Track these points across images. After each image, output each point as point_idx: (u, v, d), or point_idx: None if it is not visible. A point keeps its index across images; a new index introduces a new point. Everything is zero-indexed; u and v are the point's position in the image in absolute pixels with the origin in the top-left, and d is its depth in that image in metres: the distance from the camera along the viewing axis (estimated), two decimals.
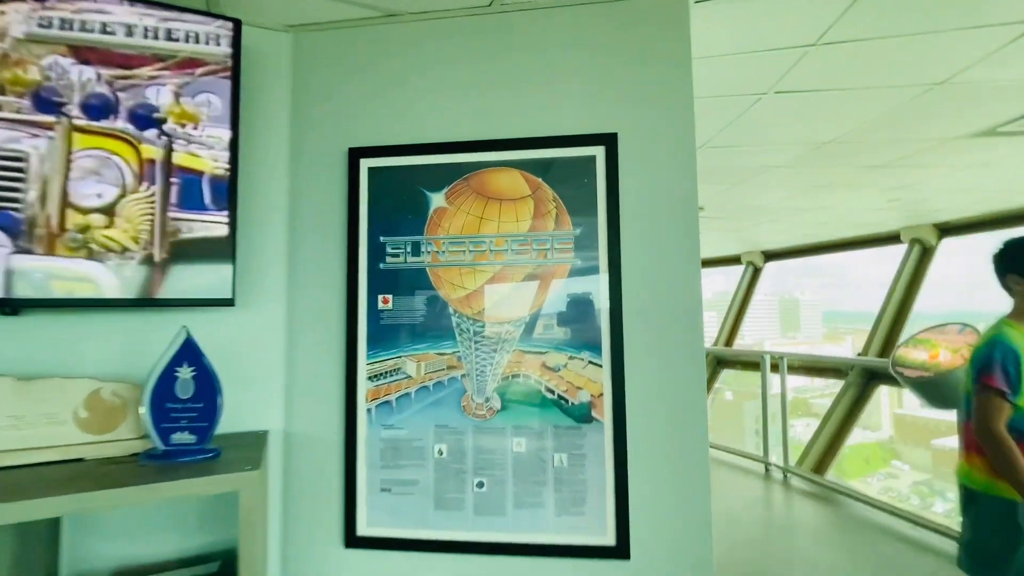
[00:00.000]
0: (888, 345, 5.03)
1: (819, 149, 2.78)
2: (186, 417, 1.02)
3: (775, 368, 4.79)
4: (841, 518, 3.76)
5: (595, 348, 1.20)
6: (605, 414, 1.19)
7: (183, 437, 1.02)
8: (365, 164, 1.30)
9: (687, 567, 1.16)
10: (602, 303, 1.21)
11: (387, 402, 1.25)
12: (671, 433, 1.18)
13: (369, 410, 1.26)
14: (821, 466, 4.77)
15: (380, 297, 1.27)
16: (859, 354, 5.14)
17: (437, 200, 1.27)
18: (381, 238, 1.28)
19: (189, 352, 1.03)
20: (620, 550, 1.17)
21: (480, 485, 1.21)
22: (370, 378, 1.26)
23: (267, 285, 1.29)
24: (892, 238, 5.47)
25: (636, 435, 1.19)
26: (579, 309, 1.22)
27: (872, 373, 4.88)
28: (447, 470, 1.22)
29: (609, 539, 1.17)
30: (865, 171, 3.23)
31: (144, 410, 1.00)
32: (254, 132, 1.31)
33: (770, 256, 7.00)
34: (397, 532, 1.23)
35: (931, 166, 3.12)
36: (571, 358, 1.21)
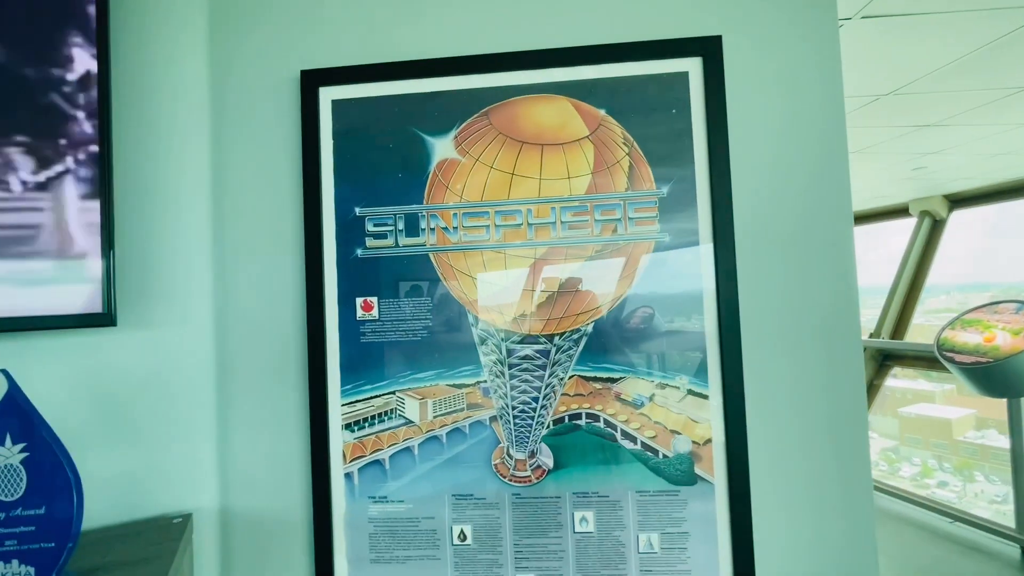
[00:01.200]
0: (902, 322, 4.78)
1: (872, 104, 2.40)
2: (14, 535, 0.56)
3: None
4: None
5: (698, 371, 0.78)
6: (716, 470, 0.77)
7: (11, 571, 0.56)
8: (327, 95, 0.84)
9: None
10: (707, 299, 0.78)
11: (377, 462, 0.81)
12: (816, 492, 0.78)
13: (349, 475, 0.81)
14: None
15: (359, 301, 0.82)
16: (871, 335, 4.88)
17: (442, 148, 0.82)
18: (357, 210, 0.82)
19: (14, 414, 0.57)
20: None
21: None
22: (348, 426, 0.81)
23: (181, 291, 0.83)
24: (899, 212, 5.21)
25: (765, 500, 0.78)
26: (671, 310, 0.79)
27: (886, 354, 4.62)
28: (474, 563, 0.80)
29: None
30: (908, 132, 2.87)
31: None
32: (146, 61, 0.83)
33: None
34: None
35: (974, 125, 2.78)
36: (661, 386, 0.79)
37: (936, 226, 4.92)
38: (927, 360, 3.81)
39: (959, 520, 3.17)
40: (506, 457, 0.80)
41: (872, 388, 4.74)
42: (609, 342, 0.79)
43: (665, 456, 0.78)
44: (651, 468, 0.78)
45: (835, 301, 0.79)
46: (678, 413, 0.78)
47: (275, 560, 0.83)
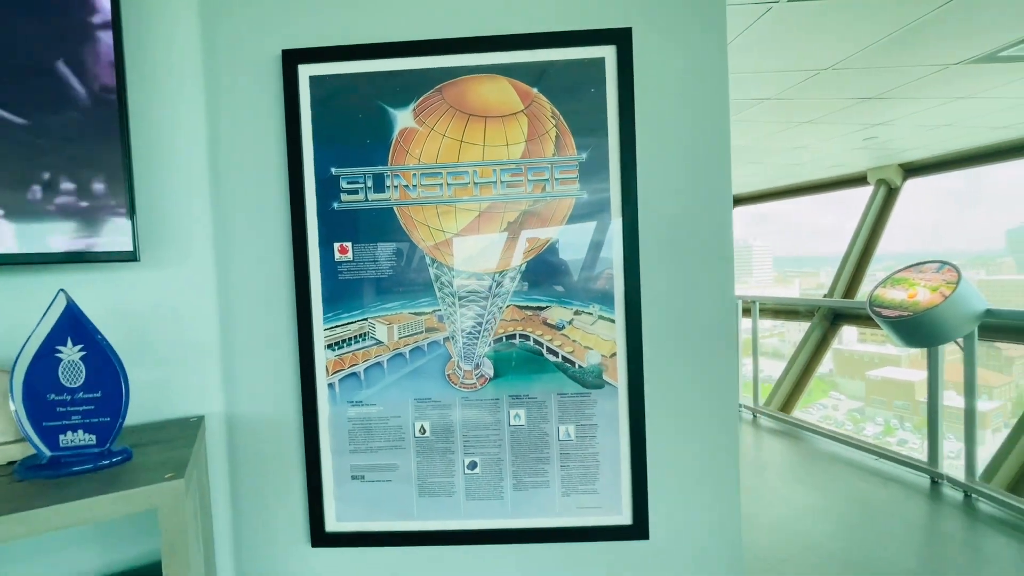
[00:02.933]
0: (853, 286, 5.12)
1: (814, 79, 2.59)
2: (79, 412, 0.76)
3: (746, 312, 4.80)
4: (807, 454, 3.87)
5: (607, 300, 1.00)
6: (619, 377, 1.00)
7: (78, 438, 0.76)
8: (305, 72, 1.00)
9: (713, 542, 1.02)
10: (615, 245, 0.99)
11: (353, 374, 1.02)
12: (696, 395, 1.01)
13: (331, 385, 1.02)
14: (788, 405, 4.91)
15: (336, 246, 1.00)
16: (825, 295, 5.22)
17: (403, 119, 0.99)
18: (333, 170, 1.00)
19: (72, 324, 0.75)
20: (638, 529, 1.01)
21: (472, 466, 1.02)
22: (330, 346, 1.01)
23: (186, 235, 1.00)
24: (858, 180, 5.47)
25: (656, 399, 1.01)
26: (587, 253, 0.99)
27: (837, 313, 4.98)
28: (431, 451, 1.02)
29: (625, 518, 1.01)
30: (853, 105, 3.08)
31: (14, 405, 0.73)
32: (149, 36, 0.97)
33: (738, 201, 6.96)
34: (374, 525, 1.03)
35: (917, 98, 3.00)
36: (577, 313, 1.00)
37: (891, 194, 5.21)
38: (867, 318, 4.15)
39: (883, 457, 3.56)
40: (456, 369, 1.01)
41: (824, 344, 5.12)
42: (538, 279, 1.00)
43: (580, 367, 1.00)
44: (569, 376, 1.00)
45: (713, 252, 1.00)
46: (591, 333, 1.00)
47: (272, 452, 1.04)
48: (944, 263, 2.90)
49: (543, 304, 1.00)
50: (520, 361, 1.01)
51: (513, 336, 1.01)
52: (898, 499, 3.07)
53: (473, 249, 1.00)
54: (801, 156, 4.50)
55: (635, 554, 1.02)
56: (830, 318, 5.03)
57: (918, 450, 3.27)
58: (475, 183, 0.99)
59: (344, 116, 0.99)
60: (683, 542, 1.02)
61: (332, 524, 1.03)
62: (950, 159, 4.72)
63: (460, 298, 1.00)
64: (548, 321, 1.00)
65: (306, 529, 1.04)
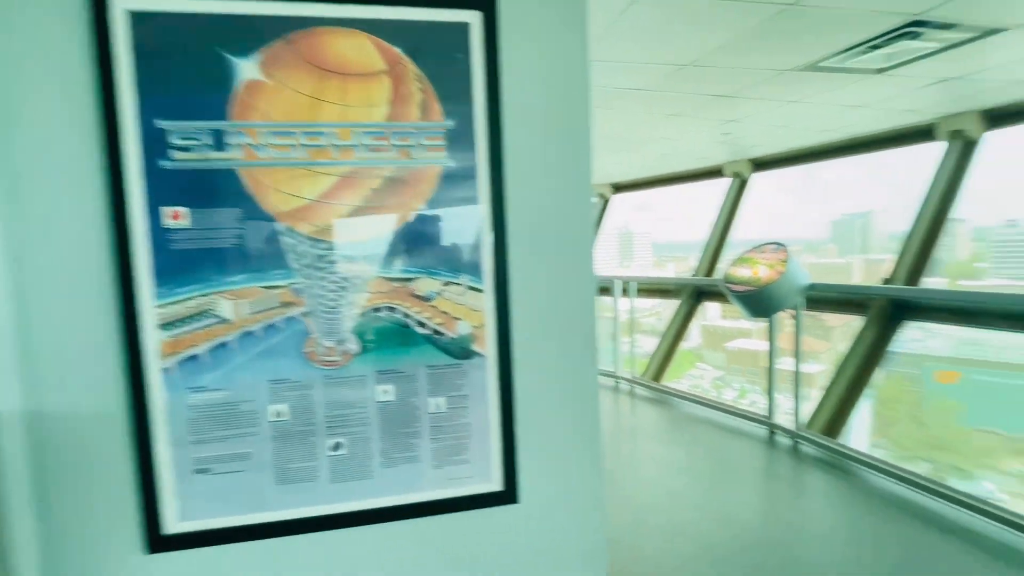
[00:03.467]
0: (713, 267, 5.75)
1: (678, 72, 2.81)
2: None
3: (623, 292, 5.17)
4: (674, 417, 4.31)
5: (475, 271, 0.99)
6: (488, 347, 1.01)
7: None
8: (121, 5, 0.84)
9: (579, 502, 1.08)
10: (483, 215, 0.99)
11: (193, 356, 0.90)
12: (561, 364, 1.05)
13: (167, 369, 0.90)
14: (659, 374, 5.41)
15: (168, 211, 0.88)
16: (693, 275, 5.80)
17: (247, 69, 0.88)
18: (159, 122, 0.87)
19: None
20: (508, 495, 1.04)
21: (337, 447, 0.96)
22: (163, 326, 0.89)
23: None
24: (716, 172, 6.10)
25: (523, 368, 1.03)
26: (456, 223, 0.98)
27: (700, 291, 5.56)
28: (290, 435, 0.95)
29: (496, 484, 1.04)
30: (710, 101, 3.41)
31: None
32: None
33: (618, 188, 7.42)
34: (225, 521, 0.93)
35: (760, 99, 3.40)
36: (447, 284, 0.98)
37: (743, 186, 5.91)
38: (723, 294, 4.74)
39: (734, 414, 4.07)
40: (318, 345, 0.95)
41: (689, 318, 5.70)
42: (405, 249, 0.96)
43: (450, 338, 0.99)
44: (439, 348, 0.99)
45: (576, 224, 1.04)
46: (460, 304, 0.99)
47: (93, 450, 0.89)
48: (779, 244, 3.36)
49: (411, 275, 0.97)
50: (388, 335, 0.97)
51: (379, 309, 0.96)
52: (745, 448, 3.54)
53: (334, 217, 0.93)
54: (670, 147, 4.92)
55: (507, 518, 1.05)
56: (695, 296, 5.62)
57: (763, 408, 3.79)
58: (334, 146, 0.92)
59: (173, 62, 0.86)
60: (551, 503, 1.07)
61: (174, 525, 0.92)
62: (789, 156, 5.45)
63: (319, 270, 0.93)
64: (417, 293, 0.98)
65: (140, 534, 0.91)
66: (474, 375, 1.01)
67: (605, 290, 5.55)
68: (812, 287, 3.29)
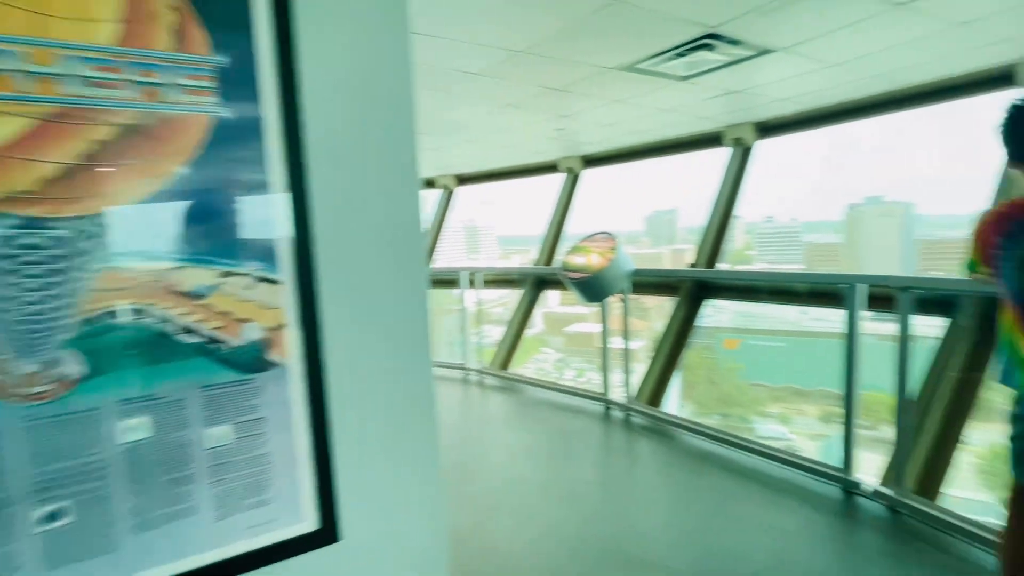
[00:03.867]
0: (551, 258, 6.05)
1: (514, 59, 2.79)
2: None
3: (470, 283, 5.14)
4: (521, 402, 4.41)
5: (268, 257, 0.77)
6: (290, 354, 0.79)
7: None
8: None
9: (415, 522, 0.93)
10: (276, 183, 0.76)
11: None
12: (388, 367, 0.88)
13: None
14: (507, 362, 5.52)
15: None
16: (534, 264, 6.02)
17: None
18: None
19: None
20: (326, 533, 0.84)
21: (53, 517, 0.66)
22: None
23: None
24: (552, 167, 6.41)
25: (340, 376, 0.84)
26: (235, 192, 0.74)
27: (541, 280, 5.81)
28: None
29: (310, 523, 0.83)
30: (545, 94, 3.49)
31: None
32: None
33: (462, 180, 7.37)
34: None
35: (590, 96, 3.60)
36: (225, 275, 0.74)
37: (576, 181, 6.31)
38: (450, 282, 5.15)
39: (574, 394, 4.31)
40: (8, 373, 0.63)
41: (532, 306, 5.92)
42: (156, 227, 0.69)
43: (234, 346, 0.75)
44: (217, 360, 0.74)
45: (401, 197, 0.88)
46: (248, 301, 0.76)
47: None
48: (607, 233, 3.62)
49: (170, 264, 0.70)
50: (134, 348, 0.69)
51: (117, 313, 0.68)
52: (584, 425, 3.76)
53: (29, 179, 0.62)
54: (510, 140, 5.00)
55: (328, 562, 0.85)
56: (537, 285, 5.85)
57: (600, 385, 4.08)
58: (27, 72, 0.61)
59: None
60: (382, 532, 0.90)
61: None
62: (615, 154, 5.95)
63: (8, 258, 0.62)
64: (180, 288, 0.71)
65: None
66: (272, 392, 0.78)
67: (452, 282, 5.46)
68: (636, 272, 3.61)
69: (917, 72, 3.36)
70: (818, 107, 4.11)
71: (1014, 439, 1.56)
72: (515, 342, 5.61)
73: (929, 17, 2.45)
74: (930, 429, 2.74)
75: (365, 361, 0.86)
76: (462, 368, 5.23)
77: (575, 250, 3.72)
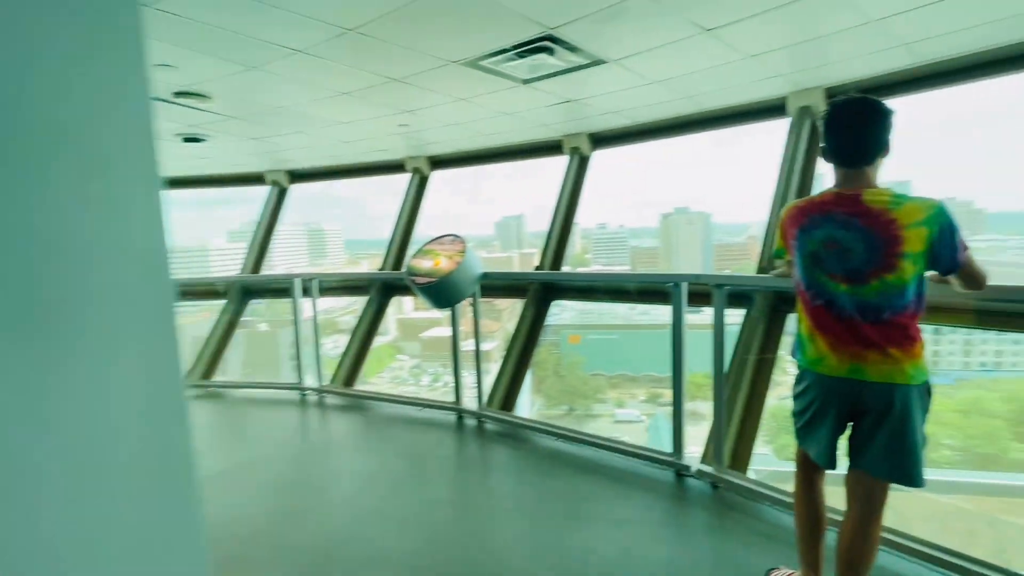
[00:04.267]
0: (400, 262, 5.73)
1: (342, 39, 2.47)
2: None
3: (308, 292, 4.59)
4: (369, 421, 4.04)
5: None
6: None
7: None
8: None
9: None
10: None
11: None
12: (136, 386, 0.58)
13: None
14: (353, 376, 5.05)
15: None
16: (380, 270, 5.62)
17: None
18: None
19: None
20: None
21: None
22: None
23: None
24: (399, 167, 6.09)
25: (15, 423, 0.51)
26: None
27: (389, 286, 5.45)
28: None
29: None
30: (383, 85, 3.21)
31: None
32: None
33: (297, 177, 6.62)
34: None
35: (434, 91, 3.42)
36: None
37: (423, 183, 6.08)
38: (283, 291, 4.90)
39: (425, 406, 4.08)
40: None
41: (381, 313, 5.52)
42: None
43: None
44: None
45: (121, 202, 0.58)
46: None
47: None
48: (455, 236, 3.47)
49: None
50: None
51: None
52: (437, 440, 3.55)
53: None
54: (349, 133, 4.57)
55: None
56: (385, 291, 5.48)
57: (452, 393, 3.89)
58: None
59: None
60: None
61: None
62: (463, 156, 5.86)
63: None
64: None
65: None
66: None
67: (283, 291, 4.81)
68: (486, 275, 3.53)
69: (716, 97, 3.86)
70: (643, 122, 4.51)
71: (795, 414, 1.78)
72: (361, 354, 5.16)
73: (728, 47, 2.78)
74: (738, 406, 3.13)
75: (122, 378, 0.54)
76: (298, 388, 4.63)
77: (421, 253, 3.49)
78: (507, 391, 4.14)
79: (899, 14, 2.51)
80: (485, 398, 3.87)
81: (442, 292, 3.26)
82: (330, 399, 4.51)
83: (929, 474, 1.55)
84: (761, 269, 3.56)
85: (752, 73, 3.29)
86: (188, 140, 4.35)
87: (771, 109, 3.93)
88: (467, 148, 5.59)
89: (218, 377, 5.70)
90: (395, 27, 2.38)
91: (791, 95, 3.72)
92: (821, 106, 3.66)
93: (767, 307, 3.36)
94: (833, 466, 1.72)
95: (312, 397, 4.57)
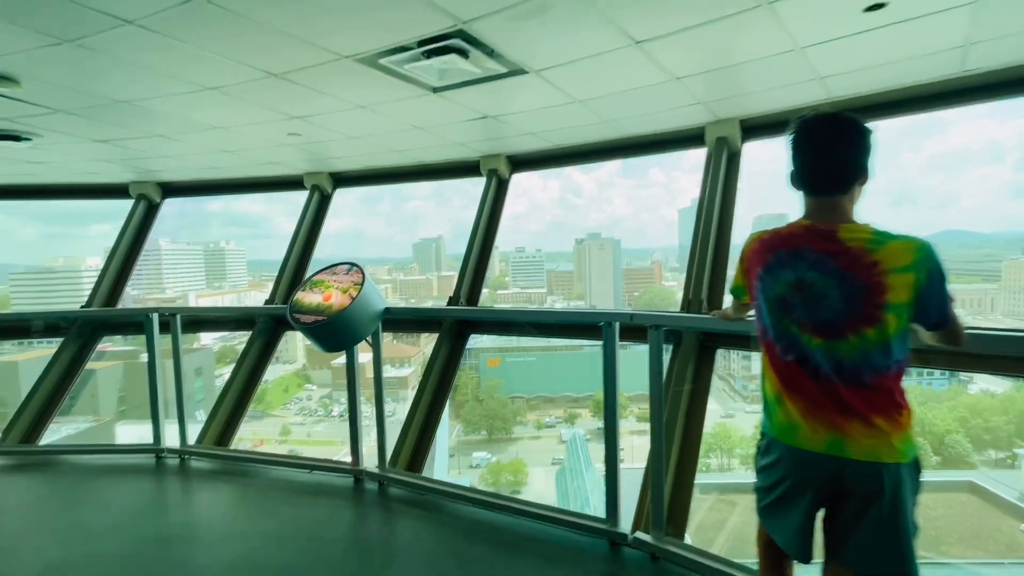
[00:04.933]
0: (292, 288, 4.98)
1: (186, 6, 1.89)
2: None
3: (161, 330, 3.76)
4: (243, 491, 3.28)
5: None
6: None
7: None
8: None
9: None
10: None
11: None
12: None
13: None
14: (225, 434, 4.19)
15: None
16: (267, 301, 4.84)
17: None
18: None
19: None
20: None
21: None
22: None
23: None
24: (296, 183, 5.39)
25: None
26: None
27: (279, 320, 4.69)
28: None
29: None
30: (264, 80, 2.63)
31: None
32: None
33: (170, 190, 5.65)
34: None
35: (327, 95, 2.89)
36: None
37: (324, 201, 5.41)
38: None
39: (316, 468, 3.40)
40: None
41: (269, 352, 4.74)
42: None
43: None
44: None
45: None
46: None
47: None
48: (352, 264, 2.92)
49: None
50: None
51: None
52: (328, 514, 2.89)
53: None
54: (227, 140, 3.86)
55: None
56: (272, 326, 4.71)
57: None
58: None
59: None
60: None
61: None
62: (370, 174, 5.28)
63: None
64: None
65: None
66: None
67: (132, 326, 3.90)
68: (388, 311, 3.00)
69: (637, 124, 3.71)
70: (563, 145, 4.28)
71: (760, 490, 1.48)
72: (240, 406, 4.32)
73: (656, 65, 2.57)
74: (672, 458, 2.83)
75: None
76: (154, 451, 3.72)
77: (310, 285, 2.90)
78: (416, 445, 3.57)
79: (814, 45, 2.43)
80: (389, 455, 3.28)
81: (331, 333, 2.68)
82: (196, 463, 3.66)
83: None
84: (688, 302, 3.37)
85: (674, 99, 3.13)
86: (3, 138, 3.41)
87: (690, 138, 3.85)
88: (376, 165, 5.04)
89: (50, 438, 4.53)
90: (272, 4, 1.86)
91: (709, 125, 3.64)
92: (737, 138, 3.61)
93: (695, 344, 3.14)
94: (807, 559, 1.41)
95: (172, 461, 3.69)
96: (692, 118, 3.59)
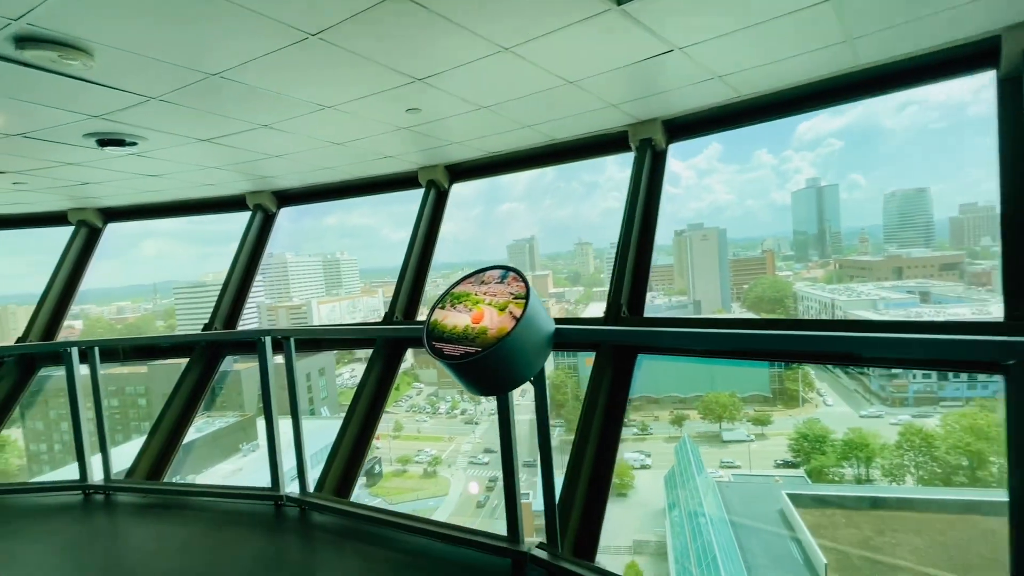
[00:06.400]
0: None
1: None
2: None
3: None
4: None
5: None
6: None
7: None
8: None
9: None
10: None
11: None
12: None
13: None
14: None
15: None
16: (387, 314, 4.76)
17: None
18: None
19: None
20: None
21: None
22: None
23: None
24: (410, 180, 4.72)
25: None
26: None
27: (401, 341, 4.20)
28: None
29: None
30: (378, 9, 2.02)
31: None
32: None
33: (285, 199, 5.27)
34: None
35: (463, 27, 2.24)
36: None
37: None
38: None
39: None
40: None
41: (390, 380, 4.29)
42: None
43: None
44: None
45: None
46: None
47: None
48: (508, 269, 2.07)
49: None
50: None
51: None
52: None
53: None
54: (337, 130, 3.42)
55: None
56: (390, 348, 4.49)
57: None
58: None
59: None
60: None
61: None
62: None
63: None
64: None
65: None
66: None
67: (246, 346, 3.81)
68: (559, 334, 2.03)
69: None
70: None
71: None
72: (358, 449, 3.68)
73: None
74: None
75: None
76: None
77: (451, 299, 2.10)
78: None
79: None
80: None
81: (490, 370, 1.88)
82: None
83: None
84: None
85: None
86: (110, 143, 3.24)
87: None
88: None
89: (195, 435, 4.39)
90: None
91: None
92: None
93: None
94: None
95: (291, 511, 3.36)
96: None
